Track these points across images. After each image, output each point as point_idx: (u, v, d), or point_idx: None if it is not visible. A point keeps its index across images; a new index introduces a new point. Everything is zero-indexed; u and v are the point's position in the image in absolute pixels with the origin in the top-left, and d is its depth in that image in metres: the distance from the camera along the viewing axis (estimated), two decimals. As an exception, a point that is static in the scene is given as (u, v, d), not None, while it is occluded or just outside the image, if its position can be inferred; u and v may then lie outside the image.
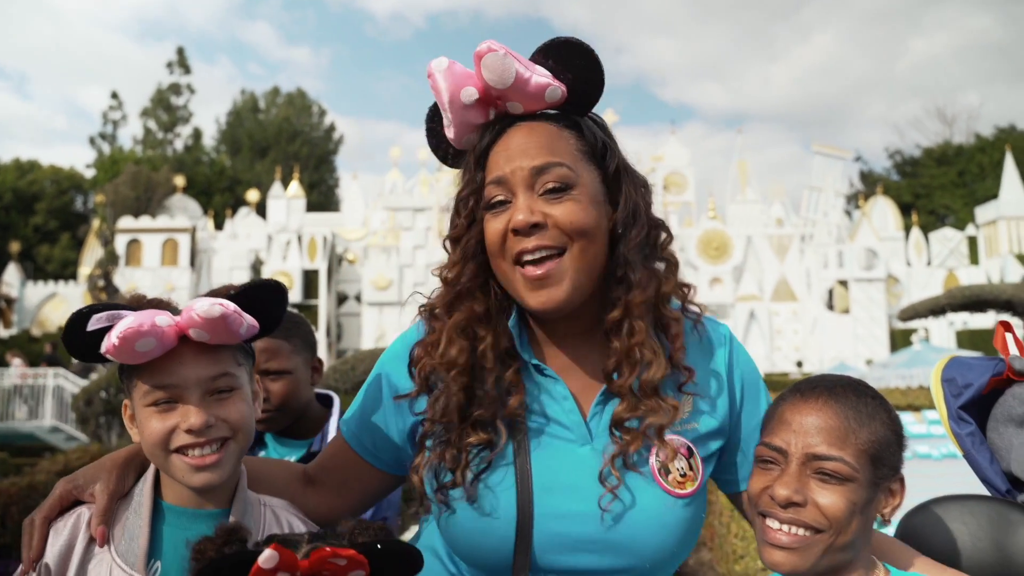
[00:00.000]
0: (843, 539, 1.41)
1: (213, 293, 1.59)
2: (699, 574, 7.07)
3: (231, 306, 1.50)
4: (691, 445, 1.57)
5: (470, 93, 1.54)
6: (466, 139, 1.61)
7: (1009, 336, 2.10)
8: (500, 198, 1.53)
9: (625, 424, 1.52)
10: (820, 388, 1.50)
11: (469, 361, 1.56)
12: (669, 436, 1.54)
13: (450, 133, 1.61)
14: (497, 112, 1.59)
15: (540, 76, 1.54)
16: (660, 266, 1.61)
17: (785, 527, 1.42)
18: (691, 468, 1.55)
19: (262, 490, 1.71)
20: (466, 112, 1.57)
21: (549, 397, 1.58)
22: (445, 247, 1.63)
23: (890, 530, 1.86)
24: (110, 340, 1.44)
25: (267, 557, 1.30)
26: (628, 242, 1.56)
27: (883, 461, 1.46)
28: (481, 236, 1.57)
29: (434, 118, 1.68)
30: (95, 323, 1.47)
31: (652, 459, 1.53)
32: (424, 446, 1.60)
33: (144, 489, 1.60)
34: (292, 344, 2.56)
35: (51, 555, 1.54)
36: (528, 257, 1.51)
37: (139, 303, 1.57)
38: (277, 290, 1.61)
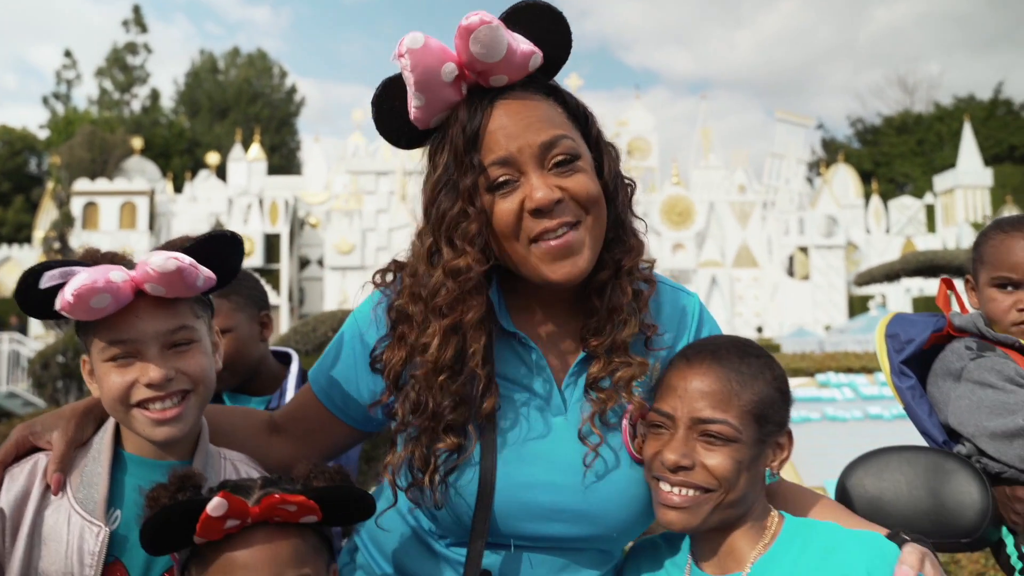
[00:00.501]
0: (733, 496, 1.47)
1: (169, 245, 1.58)
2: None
3: (186, 259, 1.48)
4: None
5: (451, 70, 1.46)
6: (435, 119, 1.53)
7: (951, 293, 2.16)
8: (506, 178, 1.48)
9: (600, 384, 1.55)
10: (705, 352, 1.54)
11: (455, 362, 1.50)
12: (640, 399, 1.56)
13: (417, 114, 1.52)
14: (470, 85, 1.51)
15: (524, 44, 1.49)
16: (639, 226, 1.63)
17: (676, 489, 1.48)
18: None
19: (223, 439, 1.72)
20: (441, 91, 1.48)
21: (526, 368, 1.59)
22: (446, 238, 1.51)
23: (830, 481, 1.92)
24: (64, 297, 1.43)
25: (216, 505, 1.31)
26: (618, 204, 1.57)
27: (768, 419, 1.51)
28: (485, 222, 1.49)
29: (383, 99, 1.56)
30: (48, 280, 1.45)
31: (624, 422, 1.56)
32: (394, 443, 1.58)
33: (104, 438, 1.60)
34: (232, 301, 2.52)
35: (6, 501, 1.53)
36: (551, 236, 1.47)
37: (93, 258, 1.55)
38: (233, 241, 1.60)
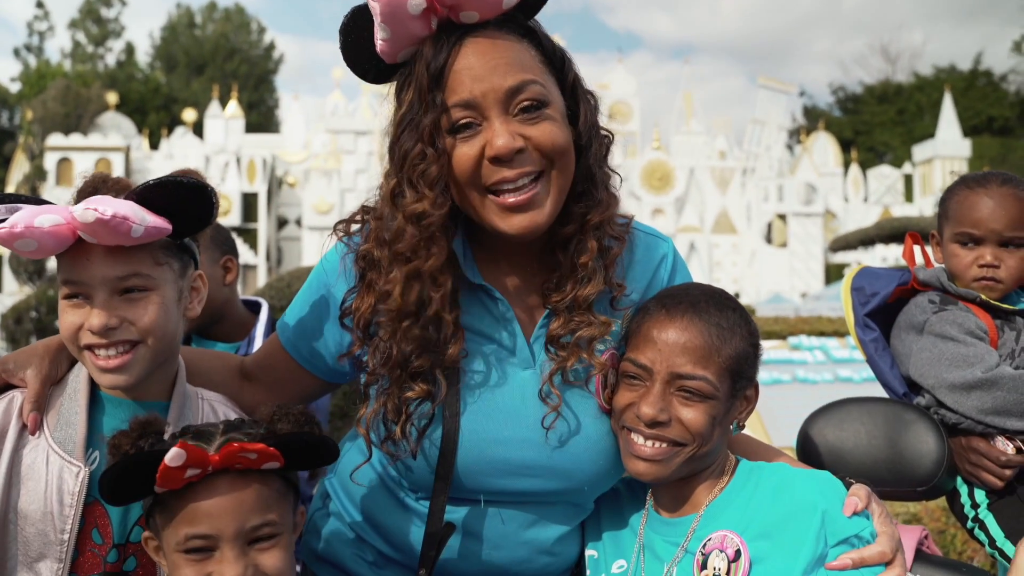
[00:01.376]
0: (705, 449, 1.49)
1: (94, 182, 1.54)
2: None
3: (109, 211, 1.38)
4: None
5: (418, 2, 1.38)
6: (402, 53, 1.47)
7: (917, 248, 2.19)
8: (468, 121, 1.42)
9: (560, 340, 1.52)
10: (685, 304, 1.51)
11: (419, 309, 1.47)
12: (610, 350, 1.56)
13: (383, 47, 1.45)
14: (440, 20, 1.44)
15: None
16: (613, 181, 1.58)
17: (649, 442, 1.47)
18: None
19: (199, 382, 1.70)
20: (409, 24, 1.41)
21: (493, 319, 1.56)
22: (408, 180, 1.46)
23: (786, 431, 1.95)
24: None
25: (173, 455, 1.29)
26: (590, 156, 1.52)
27: (742, 374, 1.52)
28: (445, 164, 1.44)
29: (352, 31, 1.50)
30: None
31: (597, 378, 1.54)
32: (368, 396, 1.57)
33: (80, 376, 1.57)
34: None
35: None
36: (509, 186, 1.43)
37: (94, 185, 1.52)
38: (191, 189, 1.48)
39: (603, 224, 1.52)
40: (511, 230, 1.45)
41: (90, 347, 1.49)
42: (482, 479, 1.51)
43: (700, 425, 1.46)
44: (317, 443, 1.43)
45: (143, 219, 1.43)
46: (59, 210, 1.44)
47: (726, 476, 1.55)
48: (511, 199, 1.43)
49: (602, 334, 1.52)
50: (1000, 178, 2.03)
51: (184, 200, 1.49)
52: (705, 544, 1.46)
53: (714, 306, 1.51)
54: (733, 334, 1.49)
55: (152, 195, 1.46)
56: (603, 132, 1.57)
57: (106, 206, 1.39)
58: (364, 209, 1.59)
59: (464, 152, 1.43)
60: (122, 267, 1.48)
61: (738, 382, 1.51)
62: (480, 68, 1.41)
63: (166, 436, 1.43)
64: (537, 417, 1.50)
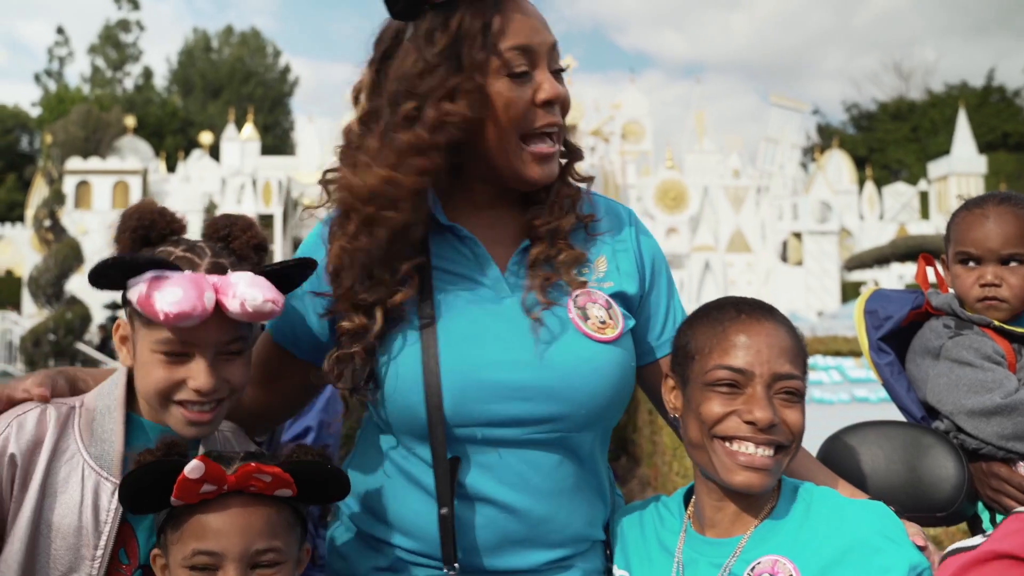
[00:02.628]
0: (795, 453, 1.48)
1: (146, 217, 1.54)
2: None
3: (280, 299, 1.50)
4: (608, 298, 1.62)
5: None
6: None
7: (930, 270, 2.17)
8: (524, 68, 1.51)
9: (542, 265, 1.58)
10: (755, 308, 1.52)
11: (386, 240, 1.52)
12: (587, 290, 1.60)
13: None
14: None
15: None
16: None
17: (761, 449, 1.43)
18: (610, 317, 1.59)
19: None
20: None
21: (464, 257, 1.60)
22: (435, 102, 1.48)
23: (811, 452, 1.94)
24: (154, 308, 1.40)
25: (193, 467, 1.32)
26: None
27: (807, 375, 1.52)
28: (480, 103, 1.49)
29: None
30: (136, 285, 1.43)
31: (570, 304, 1.57)
32: (343, 351, 1.57)
33: (115, 395, 1.57)
34: None
35: (17, 447, 1.49)
36: (546, 131, 1.55)
37: (152, 224, 1.54)
38: (310, 268, 1.59)
39: (571, 168, 1.67)
40: (537, 178, 1.56)
41: (184, 402, 1.51)
42: (474, 406, 1.49)
43: (801, 426, 1.44)
44: (331, 474, 1.45)
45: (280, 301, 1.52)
46: (207, 285, 1.46)
47: (773, 494, 1.51)
48: (547, 149, 1.56)
49: (579, 261, 1.61)
50: (998, 197, 2.02)
51: (297, 279, 1.59)
52: (754, 567, 1.42)
53: (774, 309, 1.54)
54: (801, 336, 1.52)
55: (280, 275, 1.55)
56: None
57: (272, 299, 1.48)
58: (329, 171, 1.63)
59: (519, 95, 1.51)
60: (231, 331, 1.51)
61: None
62: (535, 20, 1.54)
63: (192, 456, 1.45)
64: (522, 338, 1.52)
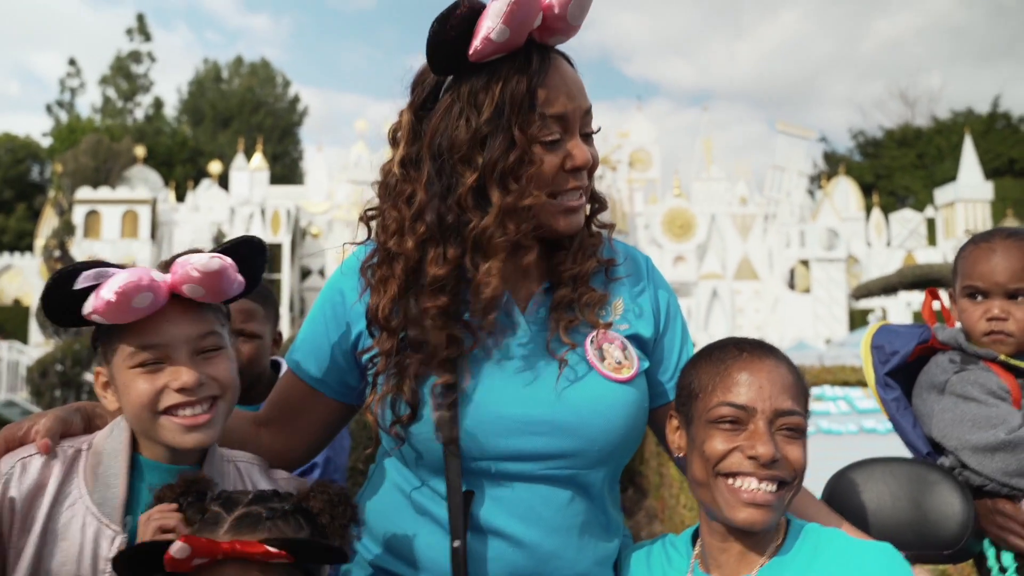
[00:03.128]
0: (798, 490, 1.49)
1: (182, 254, 1.56)
2: (653, 545, 7.19)
3: (228, 260, 1.50)
4: (624, 340, 1.66)
5: (540, 17, 1.52)
6: (493, 56, 1.52)
7: (936, 304, 2.18)
8: (558, 137, 1.57)
9: (564, 307, 1.62)
10: (756, 347, 1.54)
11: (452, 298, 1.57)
12: (604, 331, 1.64)
13: (484, 47, 1.49)
14: (531, 38, 1.55)
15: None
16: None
17: (763, 485, 1.44)
18: (626, 358, 1.63)
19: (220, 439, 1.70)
20: (524, 33, 1.51)
21: None
22: (498, 177, 1.52)
23: (810, 483, 1.93)
24: (102, 297, 1.41)
25: (178, 548, 1.28)
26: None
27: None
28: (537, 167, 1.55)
29: (446, 21, 1.51)
30: (84, 281, 1.44)
31: (588, 344, 1.61)
32: (376, 383, 1.61)
33: (120, 438, 1.56)
34: (267, 310, 2.64)
35: (18, 491, 1.48)
36: (575, 193, 1.61)
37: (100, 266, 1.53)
38: (260, 247, 1.61)
39: (595, 216, 1.73)
40: (564, 229, 1.62)
41: (172, 409, 1.50)
42: (490, 439, 1.53)
43: (802, 462, 1.46)
44: (322, 550, 1.40)
45: (236, 273, 1.54)
46: (153, 269, 1.49)
47: (779, 533, 1.52)
48: (574, 203, 1.61)
49: (601, 303, 1.65)
50: (1005, 232, 2.03)
51: (250, 259, 1.59)
52: None
53: (775, 349, 1.56)
54: (800, 374, 1.54)
55: (231, 253, 1.55)
56: None
57: (217, 256, 1.48)
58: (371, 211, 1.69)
59: (551, 160, 1.57)
60: (201, 326, 1.54)
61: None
62: (572, 88, 1.59)
63: (209, 496, 1.44)
64: (539, 375, 1.57)
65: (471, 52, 1.51)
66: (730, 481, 1.46)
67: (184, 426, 1.50)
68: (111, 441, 1.57)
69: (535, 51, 1.55)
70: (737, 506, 1.45)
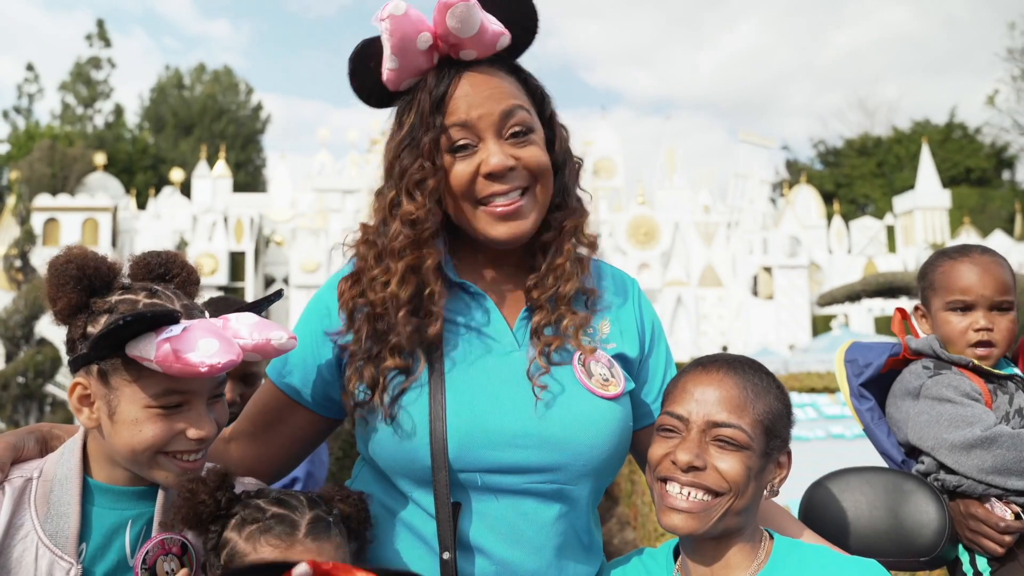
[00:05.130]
0: (740, 503, 1.48)
1: (169, 263, 1.57)
2: (624, 553, 7.22)
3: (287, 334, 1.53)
4: (611, 359, 1.68)
5: (426, 39, 1.59)
6: (405, 83, 1.65)
7: (906, 322, 2.26)
8: (465, 142, 1.60)
9: (544, 331, 1.63)
10: (720, 362, 1.58)
11: (410, 300, 1.61)
12: (591, 346, 1.65)
13: (390, 76, 1.64)
14: (441, 56, 1.64)
15: (495, 25, 1.63)
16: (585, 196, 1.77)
17: (685, 491, 1.48)
18: (612, 376, 1.65)
19: None
20: (416, 57, 1.61)
21: (474, 312, 1.67)
22: (406, 190, 1.62)
23: (796, 504, 1.97)
24: (189, 361, 1.36)
25: (302, 572, 1.21)
26: (565, 175, 1.71)
27: (776, 432, 1.54)
28: (442, 179, 1.61)
29: (360, 59, 1.69)
30: (166, 334, 1.37)
31: (575, 361, 1.62)
32: (354, 371, 1.64)
33: (71, 465, 1.51)
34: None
35: None
36: (500, 200, 1.61)
37: (165, 271, 1.56)
38: (277, 297, 1.69)
39: (577, 230, 1.71)
40: (500, 236, 1.62)
41: (178, 452, 1.49)
42: (477, 451, 1.54)
43: (736, 474, 1.47)
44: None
45: None
46: (231, 336, 1.47)
47: (762, 551, 1.54)
48: (500, 208, 1.61)
49: (583, 325, 1.66)
50: (979, 248, 2.13)
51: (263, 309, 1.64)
52: None
53: (748, 367, 1.58)
54: (767, 392, 1.54)
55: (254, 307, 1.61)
56: (575, 158, 1.77)
57: (282, 329, 1.52)
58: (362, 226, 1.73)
59: (462, 169, 1.61)
60: (220, 375, 1.51)
61: (772, 440, 1.52)
62: (477, 96, 1.61)
63: (237, 490, 1.46)
64: (523, 390, 1.58)
65: (388, 85, 1.66)
66: (663, 485, 1.52)
67: (183, 469, 1.49)
68: (61, 467, 1.52)
69: (446, 68, 1.63)
70: (664, 510, 1.51)
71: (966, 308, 2.08)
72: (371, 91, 1.70)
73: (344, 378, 1.67)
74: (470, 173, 1.60)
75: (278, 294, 1.70)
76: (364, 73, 1.68)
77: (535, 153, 1.63)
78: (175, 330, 1.39)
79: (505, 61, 1.68)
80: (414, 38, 1.57)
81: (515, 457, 1.55)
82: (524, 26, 1.69)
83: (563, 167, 1.72)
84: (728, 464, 1.48)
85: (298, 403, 1.75)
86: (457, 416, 1.54)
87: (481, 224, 1.63)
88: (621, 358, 1.71)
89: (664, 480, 1.52)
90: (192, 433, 1.47)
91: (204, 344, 1.38)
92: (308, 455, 1.87)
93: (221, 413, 1.55)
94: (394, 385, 1.59)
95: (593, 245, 1.75)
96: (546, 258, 1.68)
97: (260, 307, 1.64)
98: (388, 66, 1.63)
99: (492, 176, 1.59)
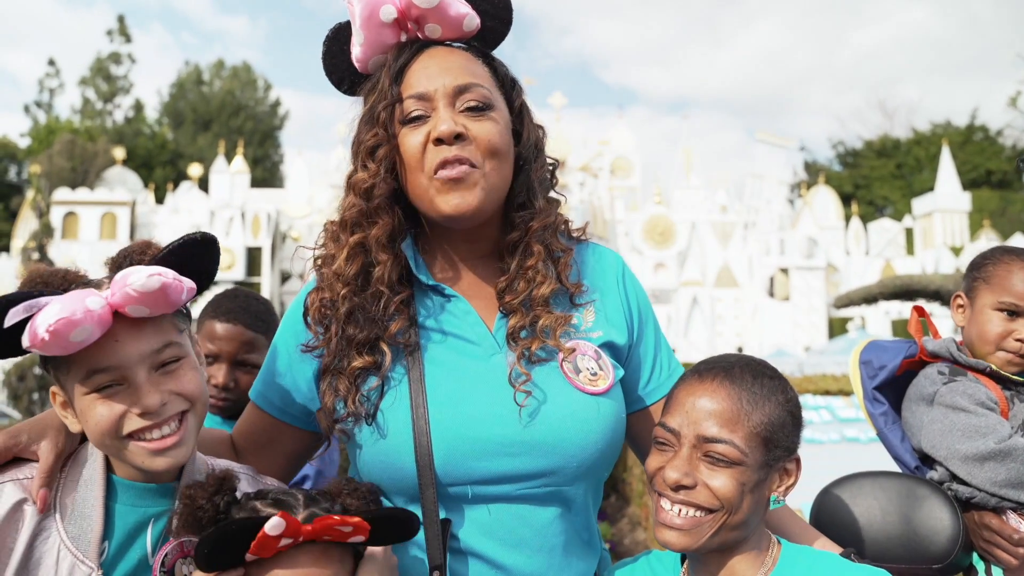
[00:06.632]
0: (736, 518, 1.43)
1: (131, 252, 1.47)
2: (635, 553, 7.19)
3: (169, 273, 1.37)
4: (597, 349, 1.62)
5: (389, 11, 1.58)
6: (372, 61, 1.65)
7: (923, 320, 2.21)
8: (419, 112, 1.57)
9: (521, 334, 1.57)
10: (717, 369, 1.51)
11: (359, 280, 1.58)
12: (575, 340, 1.60)
13: (357, 52, 1.64)
14: (409, 36, 1.64)
15: (461, 4, 1.62)
16: (557, 199, 1.71)
17: (676, 508, 1.44)
18: (600, 368, 1.59)
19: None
20: (381, 31, 1.60)
21: (451, 315, 1.62)
22: (360, 161, 1.62)
23: (808, 506, 1.94)
24: (36, 335, 1.28)
25: (274, 524, 1.27)
26: (532, 172, 1.66)
27: (776, 443, 1.47)
28: (396, 151, 1.59)
29: (333, 42, 1.70)
30: (12, 317, 1.31)
31: (559, 359, 1.57)
32: (327, 385, 1.59)
33: (96, 464, 1.48)
34: (268, 338, 2.56)
35: None
36: (448, 167, 1.54)
37: (45, 281, 1.41)
38: (206, 243, 1.48)
39: (545, 230, 1.64)
40: (448, 209, 1.55)
41: (138, 433, 1.40)
42: (465, 464, 1.49)
43: (728, 491, 1.41)
44: (402, 518, 1.43)
45: (184, 281, 1.41)
46: (90, 292, 1.36)
47: (768, 558, 1.50)
48: (449, 172, 1.54)
49: (561, 325, 1.59)
50: None
51: (199, 258, 1.48)
52: None
53: (748, 373, 1.50)
54: (767, 400, 1.47)
55: (175, 257, 1.44)
56: (549, 160, 1.72)
57: (156, 272, 1.35)
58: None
59: (413, 139, 1.57)
60: (156, 339, 1.41)
61: (772, 451, 1.46)
62: (435, 68, 1.59)
63: (238, 495, 1.42)
64: (508, 395, 1.51)
65: (357, 65, 1.67)
66: (657, 499, 1.49)
67: (152, 450, 1.41)
68: (88, 468, 1.48)
69: (408, 44, 1.63)
70: (658, 525, 1.48)
71: (1015, 313, 2.02)
72: (343, 75, 1.71)
73: (320, 393, 1.62)
74: (421, 143, 1.56)
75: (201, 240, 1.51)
76: (339, 56, 1.70)
77: (488, 128, 1.57)
78: (35, 304, 1.32)
79: (474, 47, 1.67)
80: (377, 10, 1.57)
81: (505, 466, 1.50)
82: (500, 17, 1.68)
83: (529, 163, 1.66)
84: (720, 481, 1.42)
85: (284, 422, 1.72)
86: (441, 428, 1.49)
87: (431, 197, 1.56)
88: (608, 346, 1.65)
89: (660, 494, 1.48)
90: (134, 409, 1.39)
91: (46, 312, 1.29)
92: (307, 462, 1.85)
93: (184, 381, 1.44)
94: (370, 392, 1.54)
95: (567, 250, 1.67)
96: (514, 260, 1.63)
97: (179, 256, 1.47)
98: (356, 41, 1.63)
99: (440, 141, 1.54)
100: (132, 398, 1.39)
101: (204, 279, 1.49)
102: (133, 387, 1.40)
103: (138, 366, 1.40)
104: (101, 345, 1.37)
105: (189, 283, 1.42)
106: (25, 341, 1.31)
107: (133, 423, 1.40)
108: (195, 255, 1.47)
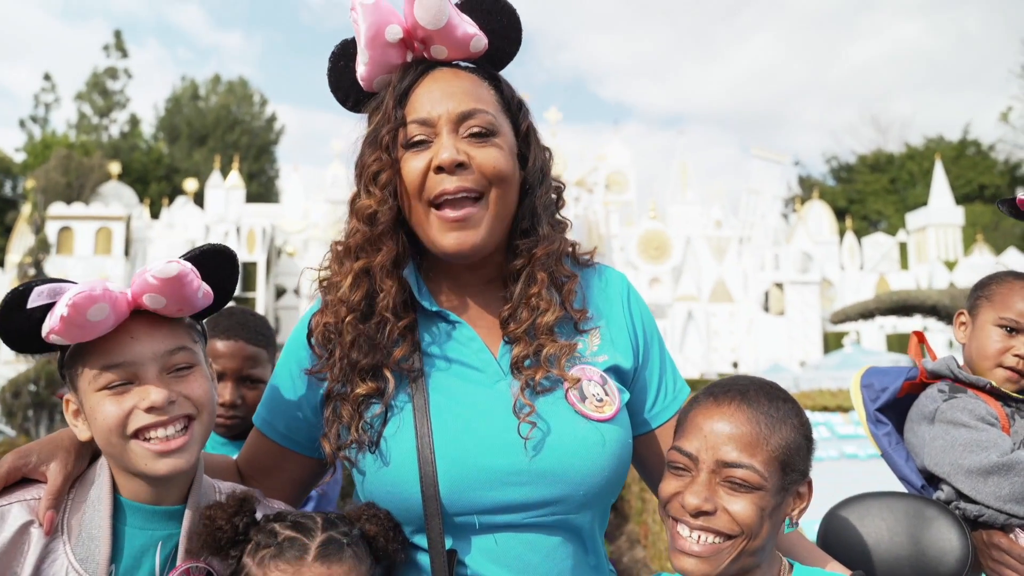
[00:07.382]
0: (755, 543, 1.42)
1: (206, 248, 1.50)
2: (633, 571, 7.18)
3: (187, 265, 1.40)
4: (603, 374, 1.60)
5: (395, 31, 1.55)
6: (377, 80, 1.62)
7: (923, 345, 2.24)
8: (421, 137, 1.54)
9: (525, 363, 1.55)
10: (733, 392, 1.48)
11: (364, 306, 1.56)
12: (580, 366, 1.57)
13: (362, 71, 1.61)
14: (415, 55, 1.61)
15: (469, 24, 1.59)
16: (563, 223, 1.69)
17: (695, 534, 1.41)
18: (607, 394, 1.57)
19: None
20: (386, 50, 1.57)
21: (455, 342, 1.59)
22: (364, 185, 1.59)
23: (812, 525, 1.95)
24: (57, 313, 1.32)
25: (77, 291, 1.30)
26: (537, 197, 1.63)
27: (793, 466, 1.45)
28: (398, 175, 1.56)
29: (339, 58, 1.67)
30: (36, 299, 1.35)
31: (565, 387, 1.54)
32: (331, 411, 1.58)
33: (103, 483, 1.47)
34: (271, 356, 2.59)
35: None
36: (448, 198, 1.52)
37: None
38: (229, 258, 1.52)
39: (549, 257, 1.61)
40: (448, 246, 1.53)
41: (141, 433, 1.40)
42: (469, 493, 1.47)
43: (748, 517, 1.39)
44: (223, 248, 1.47)
45: (201, 282, 1.44)
46: (106, 282, 1.40)
47: None
48: (450, 214, 1.52)
49: (566, 354, 1.56)
50: None
51: (219, 269, 1.51)
52: None
53: (764, 396, 1.48)
54: (783, 424, 1.44)
55: (196, 263, 1.46)
56: (554, 182, 1.69)
57: (175, 260, 1.39)
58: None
59: (414, 165, 1.54)
60: (170, 341, 1.44)
61: (788, 474, 1.44)
62: (439, 92, 1.56)
63: (258, 516, 1.43)
64: (513, 424, 1.48)
65: (362, 84, 1.64)
66: (673, 525, 1.45)
67: (156, 452, 1.40)
68: (95, 488, 1.48)
69: (416, 65, 1.60)
70: (675, 552, 1.44)
71: (1015, 331, 2.06)
72: (348, 92, 1.68)
73: (324, 419, 1.60)
74: (422, 169, 1.53)
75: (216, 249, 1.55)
76: (343, 73, 1.67)
77: (493, 155, 1.54)
78: (57, 289, 1.37)
79: (481, 68, 1.64)
80: (383, 29, 1.54)
81: (512, 495, 1.47)
82: (506, 36, 1.65)
83: (534, 188, 1.63)
84: (740, 507, 1.40)
85: (289, 449, 1.70)
86: (446, 458, 1.47)
87: (432, 231, 1.54)
88: (614, 370, 1.63)
89: (675, 520, 1.45)
90: (142, 404, 1.39)
91: (71, 291, 1.34)
92: (312, 489, 1.83)
93: (193, 386, 1.45)
94: (373, 419, 1.52)
95: (573, 277, 1.64)
96: (518, 288, 1.60)
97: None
98: (361, 60, 1.60)
99: (440, 170, 1.51)
100: (141, 395, 1.40)
101: (221, 294, 1.52)
102: (143, 385, 1.41)
103: (150, 364, 1.42)
104: (117, 340, 1.41)
105: (206, 287, 1.45)
106: (46, 328, 1.35)
107: (139, 420, 1.40)
108: (217, 266, 1.50)
